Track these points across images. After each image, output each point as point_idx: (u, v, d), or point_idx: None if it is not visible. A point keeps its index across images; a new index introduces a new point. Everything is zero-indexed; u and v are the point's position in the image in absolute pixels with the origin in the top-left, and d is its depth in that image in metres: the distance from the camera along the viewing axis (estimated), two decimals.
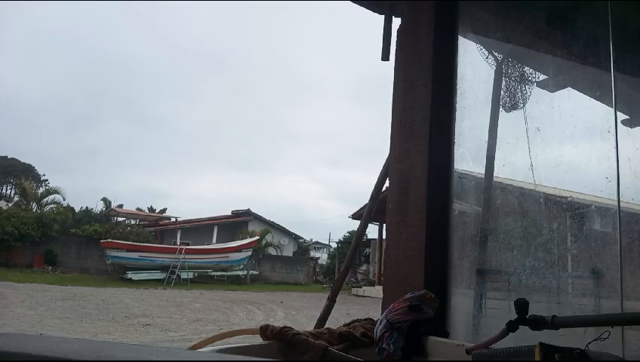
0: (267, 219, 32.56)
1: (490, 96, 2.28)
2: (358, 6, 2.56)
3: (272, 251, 30.14)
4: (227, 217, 31.02)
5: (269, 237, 29.75)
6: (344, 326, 1.73)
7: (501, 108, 2.26)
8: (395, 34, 2.32)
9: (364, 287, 23.56)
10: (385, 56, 2.37)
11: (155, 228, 28.07)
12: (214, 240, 28.13)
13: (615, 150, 1.73)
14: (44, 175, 48.89)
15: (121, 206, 30.66)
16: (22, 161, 49.64)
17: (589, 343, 1.10)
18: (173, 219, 29.30)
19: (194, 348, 1.56)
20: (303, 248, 36.99)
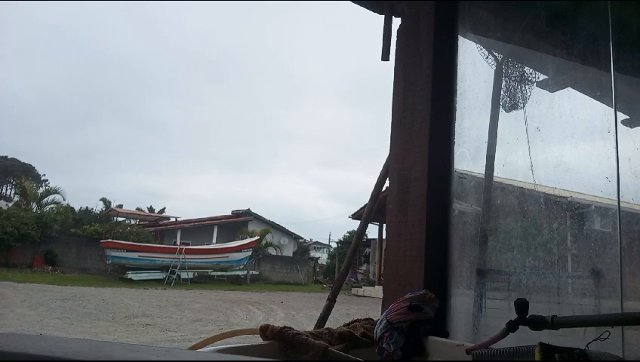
0: (267, 219, 32.57)
1: (490, 96, 2.28)
2: (354, 7, 2.55)
3: (272, 251, 30.14)
4: (227, 217, 31.02)
5: (269, 237, 29.74)
6: (344, 326, 1.73)
7: (501, 108, 2.26)
8: (395, 34, 2.32)
9: (364, 287, 23.56)
10: (385, 56, 2.37)
11: (155, 228, 28.05)
12: (214, 240, 28.13)
13: (615, 150, 1.73)
14: (44, 175, 48.93)
15: (120, 206, 30.62)
16: (22, 161, 49.63)
17: (589, 343, 1.10)
18: (173, 219, 29.28)
19: (194, 348, 1.56)
20: (303, 248, 36.98)
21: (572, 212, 1.94)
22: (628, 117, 2.15)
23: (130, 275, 21.01)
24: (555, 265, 1.91)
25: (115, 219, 28.15)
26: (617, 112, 1.81)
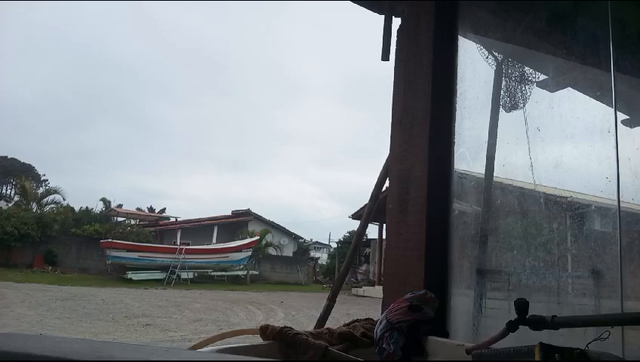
0: (267, 219, 32.56)
1: (490, 96, 2.28)
2: (354, 7, 2.56)
3: (272, 251, 30.13)
4: (227, 217, 31.00)
5: (269, 237, 29.74)
6: (344, 326, 1.73)
7: (501, 108, 2.26)
8: (395, 34, 2.32)
9: (364, 287, 23.55)
10: (385, 57, 2.37)
11: (155, 228, 28.06)
12: (214, 240, 28.12)
13: (615, 150, 1.73)
14: (44, 175, 48.68)
15: (120, 206, 30.64)
16: (22, 161, 49.47)
17: (589, 343, 1.10)
18: (173, 219, 29.29)
19: (194, 348, 1.56)
20: (303, 248, 36.98)
21: (572, 212, 1.94)
22: (628, 117, 2.15)
23: (130, 275, 21.01)
24: (555, 265, 1.91)
25: (115, 219, 28.15)
26: (617, 112, 1.81)
